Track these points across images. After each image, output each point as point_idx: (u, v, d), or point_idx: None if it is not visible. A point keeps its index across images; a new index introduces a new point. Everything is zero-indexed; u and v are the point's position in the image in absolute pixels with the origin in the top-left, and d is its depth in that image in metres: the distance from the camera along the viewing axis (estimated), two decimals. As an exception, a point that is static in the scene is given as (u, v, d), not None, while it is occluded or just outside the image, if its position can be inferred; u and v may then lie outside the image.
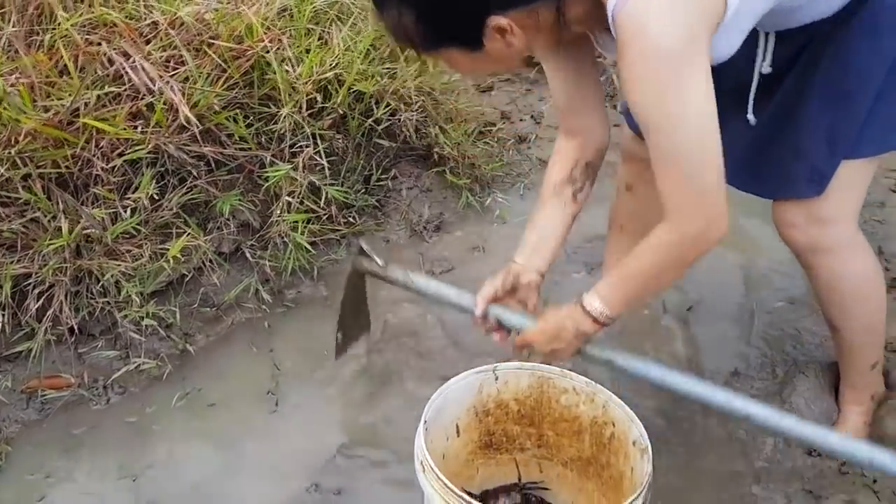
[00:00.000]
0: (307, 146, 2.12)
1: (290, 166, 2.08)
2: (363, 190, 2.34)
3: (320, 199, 2.17)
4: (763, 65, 1.50)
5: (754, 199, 1.62)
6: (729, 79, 1.35)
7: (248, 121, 2.11)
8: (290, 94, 2.12)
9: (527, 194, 2.53)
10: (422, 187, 2.46)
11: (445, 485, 1.25)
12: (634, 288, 1.35)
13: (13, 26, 1.98)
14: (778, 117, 1.52)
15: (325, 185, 2.15)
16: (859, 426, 1.77)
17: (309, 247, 2.15)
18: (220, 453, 1.76)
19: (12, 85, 1.85)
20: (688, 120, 1.15)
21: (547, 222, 1.61)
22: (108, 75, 1.97)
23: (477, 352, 1.94)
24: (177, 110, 1.95)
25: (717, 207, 1.22)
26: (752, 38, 1.44)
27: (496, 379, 1.52)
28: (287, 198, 2.08)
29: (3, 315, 1.84)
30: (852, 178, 1.48)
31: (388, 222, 2.37)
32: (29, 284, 1.87)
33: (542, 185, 1.60)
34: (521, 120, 2.79)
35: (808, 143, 1.48)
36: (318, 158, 2.12)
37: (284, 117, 2.10)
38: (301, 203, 2.11)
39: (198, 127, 1.94)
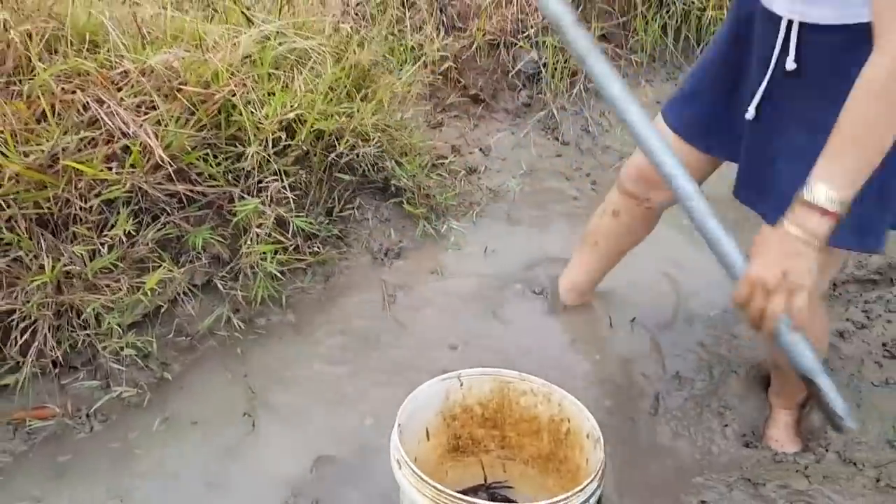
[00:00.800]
0: (274, 181, 2.25)
1: (259, 200, 2.20)
2: (326, 221, 2.47)
3: (287, 231, 2.30)
4: (787, 60, 1.39)
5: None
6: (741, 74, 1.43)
7: (216, 159, 2.24)
8: (255, 134, 2.26)
9: (479, 222, 2.70)
10: (381, 217, 2.61)
11: (420, 478, 1.38)
12: (862, 145, 1.15)
13: (-10, 78, 2.10)
14: (766, 132, 1.48)
15: (292, 217, 2.28)
16: (790, 424, 1.95)
17: (278, 275, 2.28)
18: (202, 473, 1.86)
19: (-3, 132, 1.96)
20: None
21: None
22: (83, 121, 2.08)
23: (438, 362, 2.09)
24: (151, 151, 2.07)
25: None
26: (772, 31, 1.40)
27: (461, 385, 1.66)
28: (256, 230, 2.20)
29: (-10, 350, 1.94)
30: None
31: (350, 251, 2.51)
32: (12, 320, 1.96)
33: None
34: (470, 153, 2.96)
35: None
36: (285, 192, 2.25)
37: (252, 155, 2.23)
38: (269, 235, 2.23)
39: (171, 166, 2.07)
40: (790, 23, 1.36)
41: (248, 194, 2.26)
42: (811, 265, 1.19)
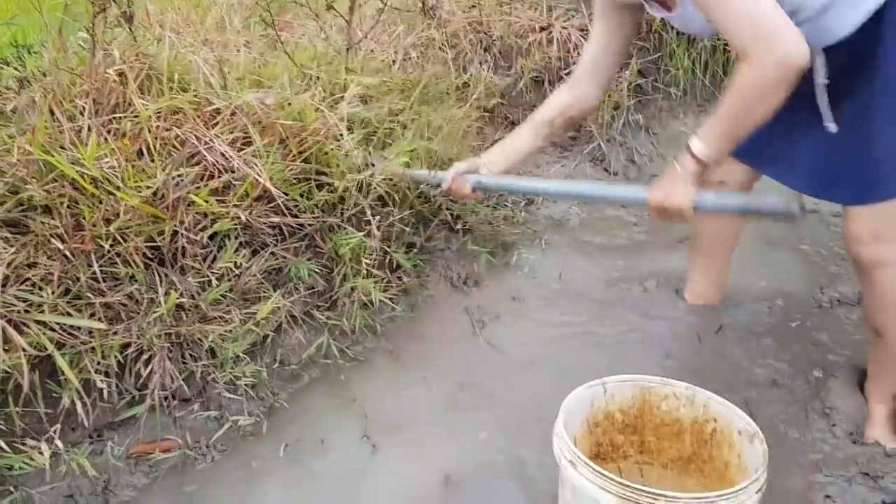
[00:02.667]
0: (375, 216, 2.31)
1: (362, 234, 2.27)
2: (409, 253, 2.52)
3: (377, 262, 2.35)
4: (819, 76, 1.74)
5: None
6: (793, 96, 1.58)
7: (310, 192, 2.29)
8: (343, 169, 2.32)
9: (547, 249, 2.78)
10: (453, 249, 2.66)
11: (604, 475, 1.42)
12: (728, 125, 1.60)
13: (89, 116, 2.13)
14: (852, 128, 1.75)
15: (392, 251, 2.36)
16: (885, 420, 2.03)
17: (368, 303, 2.32)
18: (333, 498, 1.87)
19: (111, 167, 1.99)
20: None
21: (517, 143, 2.18)
22: (187, 157, 2.13)
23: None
24: (252, 184, 2.12)
25: (787, 37, 1.48)
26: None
27: (605, 392, 1.72)
28: (360, 263, 2.27)
29: (110, 384, 1.94)
30: None
31: (429, 280, 2.56)
32: (128, 353, 1.97)
33: (534, 112, 2.16)
34: (524, 185, 3.05)
35: (887, 152, 1.70)
36: (389, 228, 2.34)
37: (343, 189, 2.28)
38: (373, 269, 2.30)
39: (280, 198, 2.11)
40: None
41: (340, 227, 2.31)
42: (685, 190, 1.68)
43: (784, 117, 1.67)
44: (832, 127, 1.79)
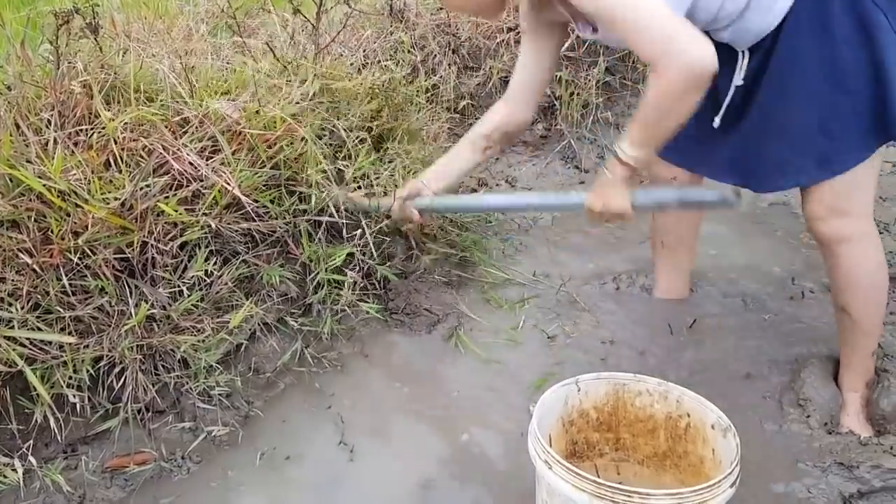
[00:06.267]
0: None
1: (350, 246, 2.31)
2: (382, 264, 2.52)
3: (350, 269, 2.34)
4: (737, 77, 1.84)
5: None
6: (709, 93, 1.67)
7: (280, 199, 2.28)
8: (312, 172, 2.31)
9: (521, 249, 2.79)
10: (431, 256, 2.65)
11: (578, 474, 1.43)
12: (648, 131, 1.69)
13: (55, 129, 2.11)
14: (765, 120, 1.83)
15: (376, 264, 2.38)
16: (859, 409, 2.05)
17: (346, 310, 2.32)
18: None
19: (77, 180, 1.97)
20: None
21: (455, 160, 2.23)
22: (156, 166, 2.11)
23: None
24: (221, 192, 2.11)
25: (690, 48, 1.56)
26: (731, 58, 1.83)
27: (578, 390, 1.72)
28: (351, 274, 2.31)
29: (83, 398, 1.92)
30: (859, 176, 1.80)
31: (403, 284, 2.55)
32: (100, 367, 1.96)
33: (469, 129, 2.23)
34: (497, 185, 3.06)
35: (802, 137, 1.79)
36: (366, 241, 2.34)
37: (312, 196, 2.28)
38: (358, 282, 2.33)
39: (250, 205, 2.10)
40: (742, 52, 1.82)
41: (311, 234, 2.30)
42: (621, 193, 1.79)
43: (704, 116, 1.79)
44: (717, 122, 1.92)
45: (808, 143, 1.80)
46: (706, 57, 1.56)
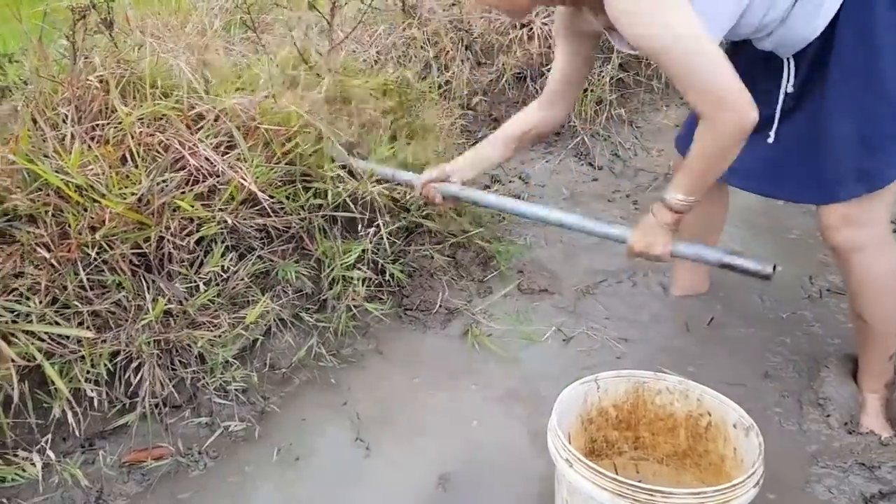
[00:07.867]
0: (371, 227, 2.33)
1: (366, 241, 2.31)
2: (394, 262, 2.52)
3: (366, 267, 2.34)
4: (787, 85, 1.85)
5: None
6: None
7: (296, 194, 2.27)
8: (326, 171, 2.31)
9: (534, 246, 2.78)
10: (444, 253, 2.65)
11: (598, 471, 1.42)
12: (695, 179, 1.73)
13: (72, 124, 2.11)
14: (809, 132, 1.83)
15: (387, 263, 2.38)
16: (879, 410, 2.04)
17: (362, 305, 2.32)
18: (328, 501, 1.86)
19: (95, 175, 1.97)
20: (682, 35, 1.56)
21: (486, 153, 2.23)
22: (172, 161, 2.11)
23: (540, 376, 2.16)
24: (238, 188, 2.10)
25: (738, 103, 1.57)
26: (777, 68, 1.86)
27: (598, 388, 1.72)
28: (354, 272, 2.30)
29: (100, 393, 1.92)
30: (884, 189, 1.79)
31: (418, 281, 2.55)
32: (117, 361, 1.96)
33: (504, 124, 2.23)
34: (510, 181, 3.05)
35: (843, 149, 1.78)
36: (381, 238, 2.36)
37: (329, 192, 2.28)
38: (368, 279, 2.32)
39: (266, 201, 2.10)
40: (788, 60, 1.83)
41: (326, 231, 2.30)
42: (664, 239, 1.81)
43: None
44: (772, 137, 1.92)
45: (848, 155, 1.79)
46: (753, 111, 1.58)
